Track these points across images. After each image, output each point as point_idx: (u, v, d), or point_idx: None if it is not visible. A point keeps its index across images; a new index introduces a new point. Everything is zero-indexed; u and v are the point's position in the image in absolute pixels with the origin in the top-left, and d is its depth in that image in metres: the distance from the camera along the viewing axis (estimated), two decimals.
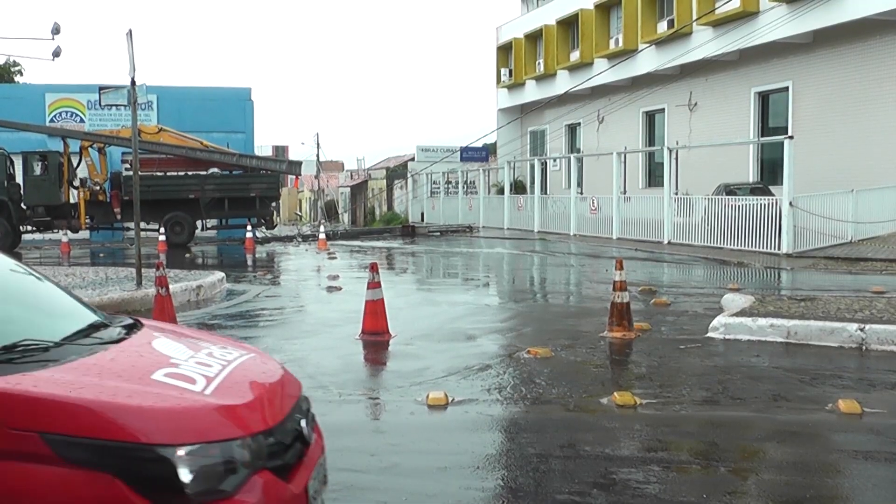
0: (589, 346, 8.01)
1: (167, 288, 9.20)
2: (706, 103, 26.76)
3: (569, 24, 33.18)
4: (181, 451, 2.54)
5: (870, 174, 19.65)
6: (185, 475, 2.52)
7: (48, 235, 26.96)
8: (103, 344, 3.26)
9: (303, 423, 3.17)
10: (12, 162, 25.48)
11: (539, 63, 35.24)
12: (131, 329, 3.57)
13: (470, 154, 38.23)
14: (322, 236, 24.35)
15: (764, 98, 24.88)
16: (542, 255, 19.42)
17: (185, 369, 3.03)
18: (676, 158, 23.53)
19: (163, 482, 2.50)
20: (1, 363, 2.80)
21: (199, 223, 27.27)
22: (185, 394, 2.82)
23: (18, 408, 2.52)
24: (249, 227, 25.11)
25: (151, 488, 2.49)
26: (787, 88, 23.57)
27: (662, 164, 23.49)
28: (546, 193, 30.94)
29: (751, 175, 24.00)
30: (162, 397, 2.74)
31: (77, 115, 33.65)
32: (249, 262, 20.38)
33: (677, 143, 25.11)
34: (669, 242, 19.97)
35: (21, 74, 42.40)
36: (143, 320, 3.83)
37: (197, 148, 27.10)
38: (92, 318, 3.66)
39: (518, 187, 32.64)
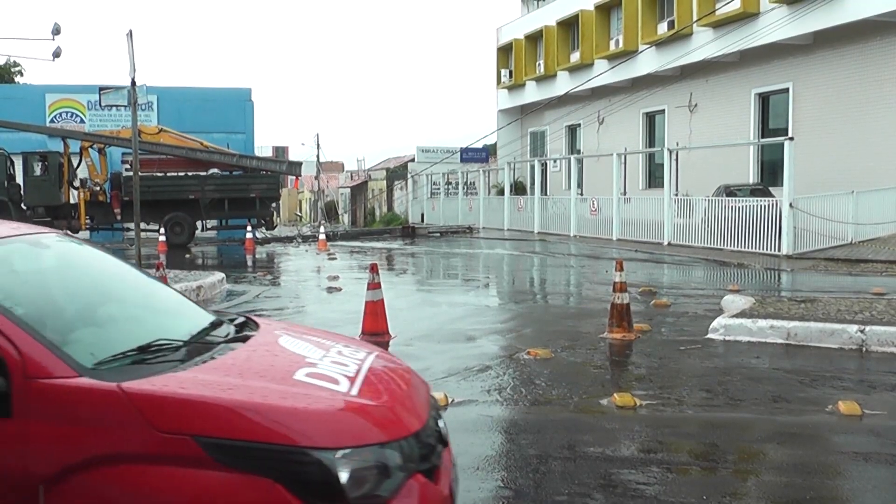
0: (589, 347, 8.01)
1: None
2: (706, 104, 26.76)
3: (569, 25, 33.19)
4: (340, 455, 2.45)
5: (870, 175, 19.64)
6: (344, 480, 2.42)
7: None
8: (231, 342, 3.17)
9: (440, 423, 3.08)
10: (12, 162, 25.49)
11: (539, 64, 35.25)
12: (244, 327, 3.49)
13: (470, 155, 38.24)
14: (322, 237, 24.35)
15: (764, 99, 24.88)
16: (542, 256, 19.41)
17: (323, 369, 2.94)
18: (676, 159, 23.52)
19: (323, 487, 2.41)
20: (136, 364, 2.75)
21: (199, 224, 27.26)
22: (335, 395, 2.73)
23: (168, 410, 2.45)
24: (249, 228, 25.11)
25: (312, 494, 2.39)
26: (787, 90, 23.57)
27: (662, 165, 23.49)
28: (546, 194, 30.94)
29: (751, 176, 24.00)
30: (313, 398, 2.65)
31: (77, 115, 33.66)
32: (249, 263, 20.37)
33: (677, 145, 25.12)
34: (669, 243, 19.96)
35: (21, 75, 42.45)
36: (256, 318, 3.70)
37: (197, 148, 27.10)
38: (209, 316, 3.59)
39: (518, 188, 32.64)
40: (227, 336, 3.28)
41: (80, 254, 3.74)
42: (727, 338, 8.07)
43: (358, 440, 2.53)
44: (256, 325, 3.53)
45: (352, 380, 2.89)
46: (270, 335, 3.38)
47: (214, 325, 3.44)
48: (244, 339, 3.23)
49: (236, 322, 3.55)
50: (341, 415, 2.63)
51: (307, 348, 3.24)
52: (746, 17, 23.24)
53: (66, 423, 2.45)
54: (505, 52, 38.19)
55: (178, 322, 3.39)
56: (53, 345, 2.62)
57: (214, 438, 2.40)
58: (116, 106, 25.32)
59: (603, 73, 28.52)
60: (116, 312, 3.37)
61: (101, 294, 3.49)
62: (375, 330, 8.49)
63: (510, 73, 37.52)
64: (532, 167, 30.79)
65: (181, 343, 3.02)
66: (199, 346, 3.06)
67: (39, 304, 3.05)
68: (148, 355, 2.83)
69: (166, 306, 3.60)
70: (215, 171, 27.13)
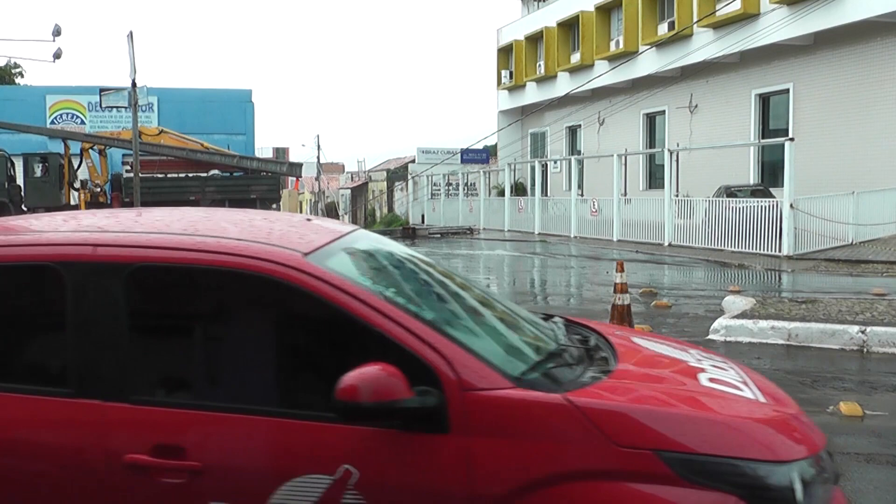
0: None
1: None
2: (707, 105, 26.76)
3: (569, 26, 33.19)
4: (795, 468, 2.34)
5: (871, 176, 19.62)
6: (799, 495, 2.30)
7: None
8: (597, 346, 2.96)
9: None
10: (13, 164, 25.53)
11: (539, 65, 35.25)
12: (569, 326, 3.26)
13: (470, 156, 38.22)
14: None
15: (765, 100, 24.87)
16: (542, 257, 19.40)
17: (715, 374, 2.78)
18: (677, 160, 23.51)
19: (781, 502, 2.29)
20: (551, 372, 2.57)
21: None
22: (761, 404, 2.61)
23: (625, 423, 2.31)
24: None
25: None
26: (787, 90, 23.56)
27: (663, 166, 23.46)
28: (546, 195, 30.94)
29: (751, 177, 23.99)
30: (750, 408, 2.55)
31: (78, 116, 33.70)
32: None
33: (678, 145, 25.11)
34: (670, 244, 19.94)
35: (22, 76, 42.52)
36: (562, 315, 3.49)
37: (197, 150, 27.14)
38: (535, 316, 3.31)
39: (518, 189, 32.63)
40: (583, 339, 3.07)
41: (405, 251, 3.43)
42: (728, 339, 8.06)
43: (799, 452, 2.43)
44: (576, 323, 3.32)
45: (749, 386, 2.74)
46: (617, 336, 3.18)
47: (562, 327, 3.20)
48: (599, 343, 3.02)
49: (553, 320, 3.31)
50: (783, 426, 2.53)
51: (670, 350, 3.08)
52: (747, 17, 23.24)
53: (512, 438, 2.29)
54: (505, 53, 38.20)
55: (532, 325, 3.11)
56: (477, 352, 2.43)
57: (679, 453, 2.27)
58: (117, 107, 25.38)
59: (603, 74, 28.50)
60: (478, 316, 3.06)
61: (450, 296, 3.13)
62: None
63: (510, 74, 37.53)
64: (532, 168, 30.78)
65: (562, 349, 2.85)
66: (583, 353, 2.86)
67: (434, 309, 2.81)
68: (555, 363, 2.66)
69: (503, 306, 3.24)
70: (216, 172, 27.18)
